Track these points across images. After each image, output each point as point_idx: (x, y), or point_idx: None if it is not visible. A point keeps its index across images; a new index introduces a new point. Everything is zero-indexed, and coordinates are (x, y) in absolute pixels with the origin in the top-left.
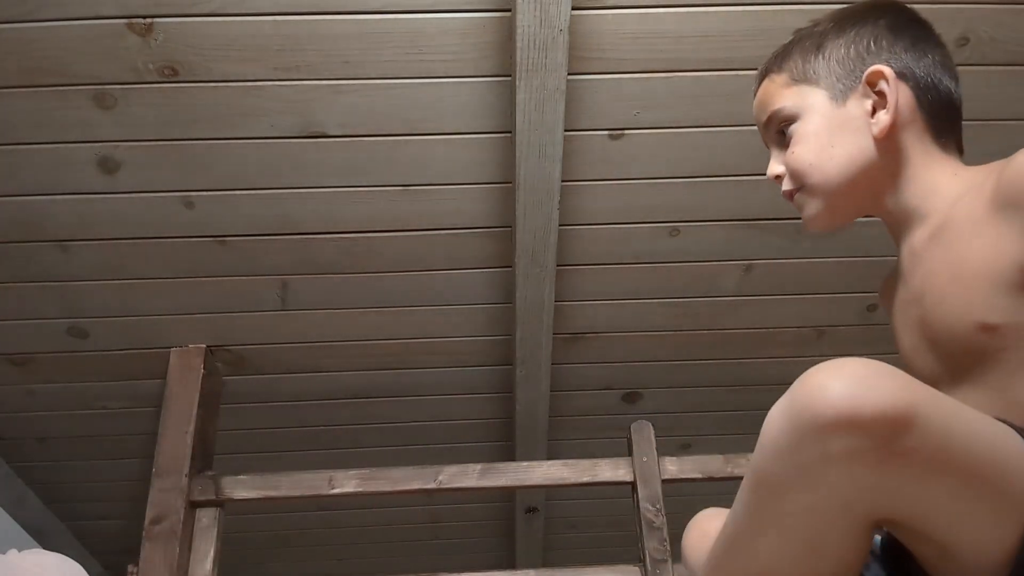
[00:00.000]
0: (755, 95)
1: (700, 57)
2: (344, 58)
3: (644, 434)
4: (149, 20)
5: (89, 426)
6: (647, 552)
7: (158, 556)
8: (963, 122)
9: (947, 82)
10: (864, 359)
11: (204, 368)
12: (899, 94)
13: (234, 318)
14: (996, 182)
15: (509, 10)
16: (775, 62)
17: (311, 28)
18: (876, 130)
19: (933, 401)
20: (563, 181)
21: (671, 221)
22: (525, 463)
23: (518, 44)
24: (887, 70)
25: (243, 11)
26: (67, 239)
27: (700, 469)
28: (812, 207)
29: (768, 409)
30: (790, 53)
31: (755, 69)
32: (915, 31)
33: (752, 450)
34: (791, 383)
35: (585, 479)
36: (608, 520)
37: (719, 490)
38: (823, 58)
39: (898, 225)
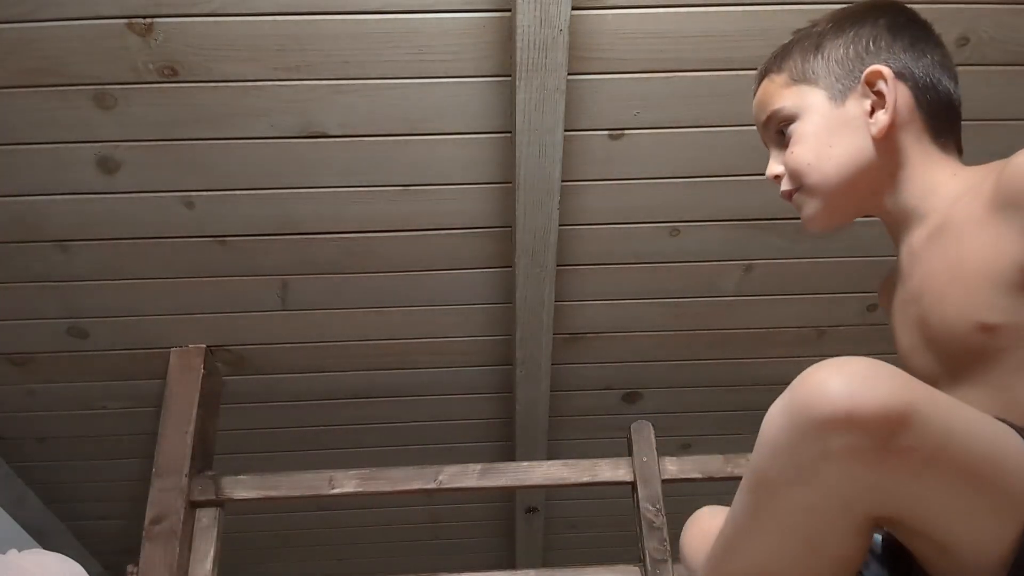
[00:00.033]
0: (754, 95)
1: (700, 57)
2: (344, 58)
3: (644, 434)
4: (149, 20)
5: (89, 426)
6: (647, 552)
7: (158, 556)
8: (963, 122)
9: (946, 82)
10: (863, 358)
11: (204, 368)
12: (898, 94)
13: (234, 318)
14: (995, 182)
15: (509, 10)
16: (774, 62)
17: (311, 28)
18: (875, 130)
19: (932, 400)
20: (563, 181)
21: (671, 221)
22: (525, 463)
23: (518, 44)
24: (886, 70)
25: (243, 11)
26: (67, 239)
27: (700, 469)
28: (811, 207)
29: (768, 409)
30: (789, 53)
31: (755, 69)
32: (914, 31)
33: (752, 450)
34: (791, 383)
35: (585, 479)
36: (608, 520)
37: (719, 490)
38: (822, 58)
39: (897, 225)
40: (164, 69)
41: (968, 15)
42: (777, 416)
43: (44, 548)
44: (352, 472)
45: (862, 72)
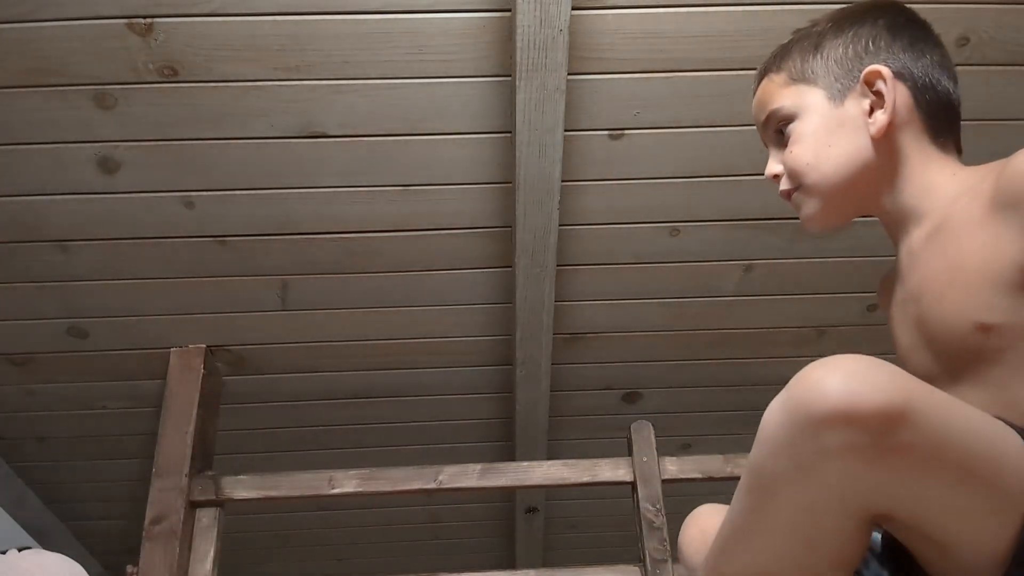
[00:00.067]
0: (754, 94)
1: (700, 57)
2: (344, 58)
3: (644, 434)
4: (149, 20)
5: (89, 426)
6: (647, 552)
7: (158, 556)
8: (963, 122)
9: (945, 82)
10: (861, 356)
11: (204, 368)
12: (897, 94)
13: (234, 318)
14: (994, 182)
15: (509, 10)
16: (774, 62)
17: (311, 28)
18: (873, 130)
19: (929, 397)
20: (563, 181)
21: (671, 221)
22: (525, 463)
23: (518, 44)
24: (885, 70)
25: (243, 11)
26: (67, 239)
27: (700, 469)
28: (810, 206)
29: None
30: (789, 53)
31: (755, 69)
32: (913, 31)
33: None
34: (789, 381)
35: (585, 479)
36: (608, 520)
37: (719, 490)
38: (821, 58)
39: (896, 225)
40: (164, 69)
41: (968, 15)
42: (775, 414)
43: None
44: (352, 472)
45: (861, 72)
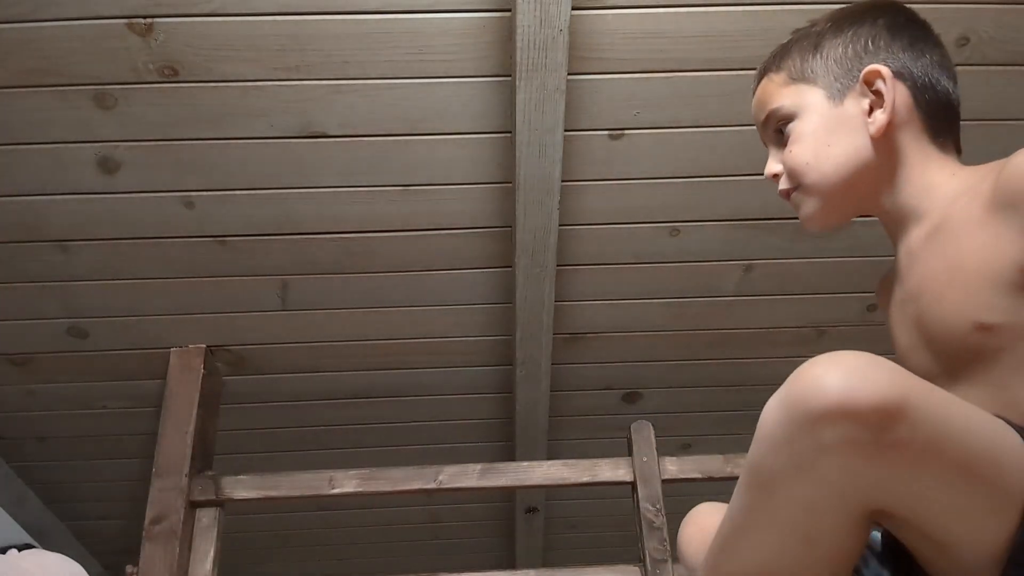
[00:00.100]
0: (754, 94)
1: (700, 57)
2: (344, 58)
3: (644, 434)
4: (149, 20)
5: (89, 426)
6: (647, 552)
7: (158, 556)
8: (963, 122)
9: (945, 82)
10: (859, 352)
11: (204, 368)
12: (896, 93)
13: (234, 318)
14: (994, 182)
15: (509, 10)
16: (774, 61)
17: (311, 28)
18: (873, 129)
19: (927, 393)
20: (563, 181)
21: (671, 221)
22: (525, 463)
23: (518, 44)
24: (884, 69)
25: (243, 11)
26: (67, 239)
27: (700, 469)
28: (809, 206)
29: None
30: (788, 52)
31: (755, 69)
32: (913, 31)
33: None
34: (788, 378)
35: (585, 479)
36: (608, 520)
37: (719, 490)
38: (821, 57)
39: (895, 225)
40: (164, 69)
41: (968, 15)
42: (773, 410)
43: (44, 548)
44: (352, 472)
45: (860, 71)
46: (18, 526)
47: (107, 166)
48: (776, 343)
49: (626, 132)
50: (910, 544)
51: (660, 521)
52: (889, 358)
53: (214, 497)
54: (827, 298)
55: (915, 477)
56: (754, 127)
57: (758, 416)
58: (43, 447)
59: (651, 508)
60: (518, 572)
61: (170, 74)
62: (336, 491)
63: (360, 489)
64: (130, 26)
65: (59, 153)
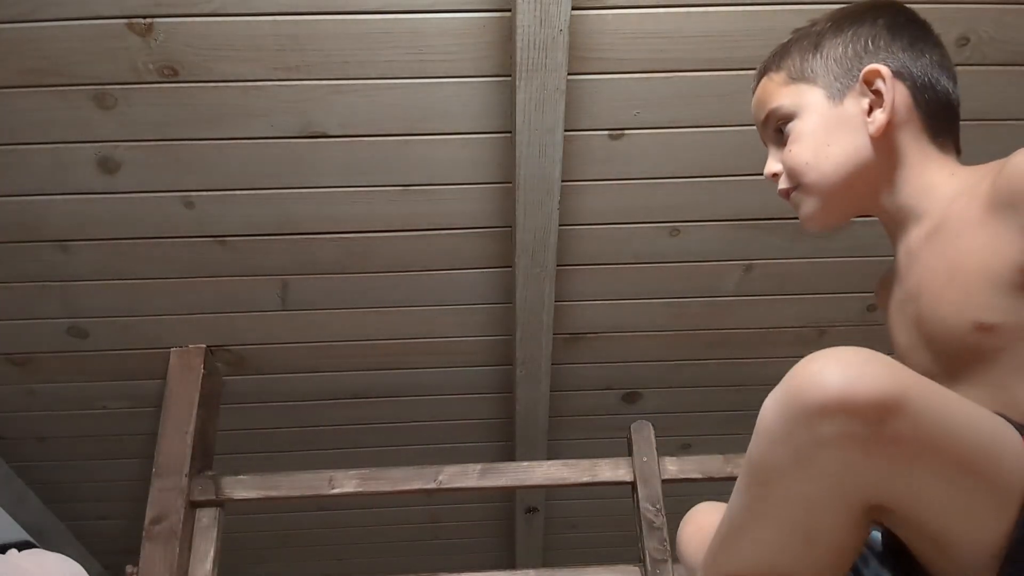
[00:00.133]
0: (754, 93)
1: (700, 57)
2: (344, 58)
3: (644, 434)
4: (149, 20)
5: (89, 426)
6: (647, 552)
7: (158, 556)
8: (963, 122)
9: (944, 82)
10: (857, 348)
11: (204, 368)
12: (896, 93)
13: (234, 318)
14: (993, 182)
15: (509, 10)
16: (774, 61)
17: (311, 28)
18: (872, 129)
19: (924, 388)
20: (563, 181)
21: (671, 221)
22: (525, 463)
23: (518, 44)
24: (884, 69)
25: (243, 11)
26: (67, 239)
27: (700, 469)
28: (808, 206)
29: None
30: (788, 52)
31: (755, 69)
32: (913, 31)
33: None
34: (787, 374)
35: (585, 479)
36: (608, 520)
37: (719, 490)
38: (821, 57)
39: (895, 224)
40: (164, 69)
41: (968, 15)
42: (772, 406)
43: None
44: (352, 472)
45: (860, 71)
46: (18, 525)
47: (107, 166)
48: (776, 343)
49: (626, 132)
50: (909, 541)
51: (660, 521)
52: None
53: (214, 497)
54: (827, 298)
55: (913, 472)
56: (754, 127)
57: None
58: (43, 447)
59: (651, 508)
60: (518, 572)
61: (170, 74)
62: (336, 491)
63: (360, 489)
64: (130, 26)
65: (59, 153)
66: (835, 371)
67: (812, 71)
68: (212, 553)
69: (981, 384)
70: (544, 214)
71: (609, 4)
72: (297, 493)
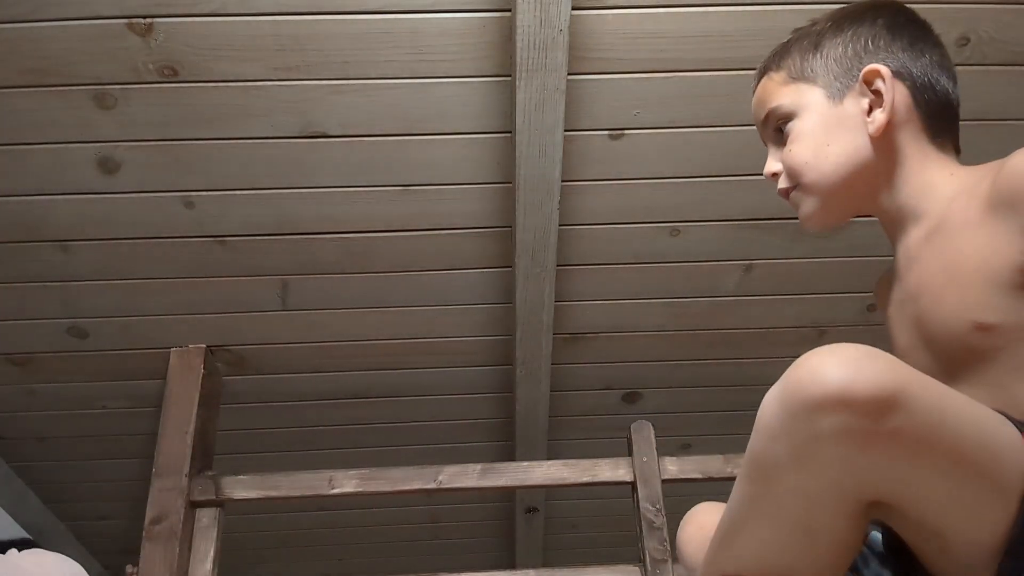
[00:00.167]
0: (754, 93)
1: (700, 57)
2: (344, 58)
3: (644, 434)
4: (149, 20)
5: (89, 426)
6: (647, 552)
7: (158, 556)
8: (963, 122)
9: (944, 82)
10: (857, 344)
11: (204, 368)
12: (895, 93)
13: (234, 318)
14: (992, 182)
15: (509, 10)
16: (774, 60)
17: (311, 28)
18: (872, 129)
19: (924, 384)
20: (563, 181)
21: (671, 221)
22: (525, 463)
23: (518, 44)
24: (884, 69)
25: (243, 11)
26: (67, 239)
27: (700, 469)
28: (808, 205)
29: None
30: (788, 51)
31: (755, 69)
32: (913, 31)
33: None
34: (786, 370)
35: (585, 479)
36: (608, 520)
37: (719, 490)
38: (821, 57)
39: (894, 224)
40: (164, 69)
41: (968, 15)
42: (772, 401)
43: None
44: (352, 472)
45: (860, 71)
46: (18, 525)
47: (107, 166)
48: (776, 343)
49: (626, 132)
50: (909, 539)
51: (660, 521)
52: None
53: (214, 497)
54: (827, 298)
55: (912, 467)
56: (754, 127)
57: None
58: (43, 447)
59: (651, 508)
60: (518, 572)
61: (170, 74)
62: (336, 491)
63: (360, 489)
64: (130, 26)
65: (59, 153)
66: (834, 366)
67: (812, 71)
68: (212, 553)
69: (980, 384)
70: (544, 214)
71: (609, 4)
72: (297, 493)
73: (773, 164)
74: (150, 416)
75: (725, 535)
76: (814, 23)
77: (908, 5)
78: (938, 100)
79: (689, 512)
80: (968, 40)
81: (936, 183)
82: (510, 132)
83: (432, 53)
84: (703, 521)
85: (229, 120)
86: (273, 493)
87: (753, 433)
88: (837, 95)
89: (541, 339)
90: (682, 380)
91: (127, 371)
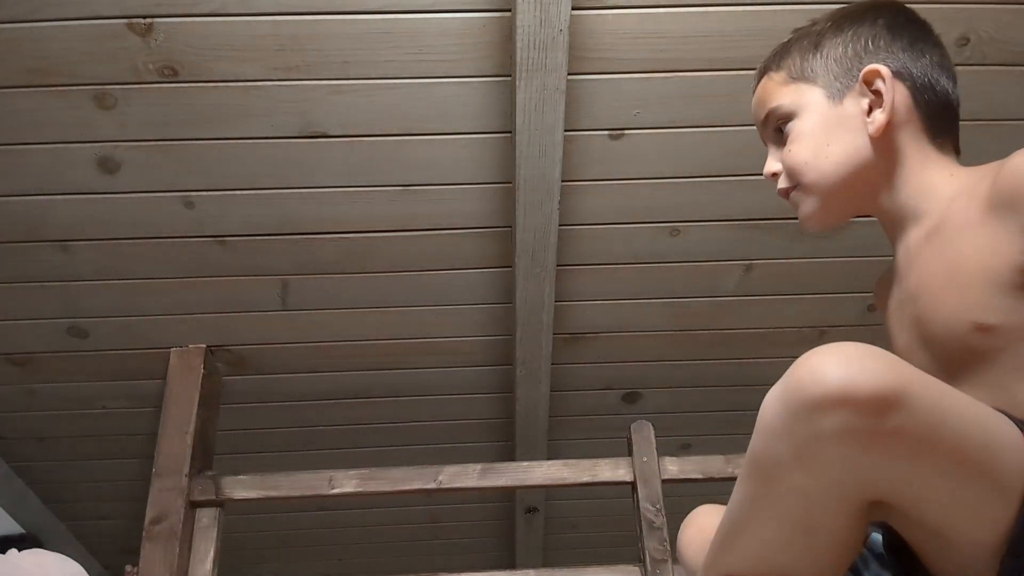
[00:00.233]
0: (754, 93)
1: (700, 57)
2: (344, 58)
3: (644, 434)
4: (149, 20)
5: (89, 426)
6: (647, 552)
7: (158, 556)
8: (963, 122)
9: (944, 82)
10: (858, 343)
11: (204, 368)
12: (895, 93)
13: (234, 318)
14: (992, 183)
15: (509, 10)
16: (774, 60)
17: (311, 28)
18: (872, 129)
19: (925, 383)
20: (563, 181)
21: (671, 221)
22: (525, 463)
23: (518, 44)
24: (884, 69)
25: (243, 11)
26: (67, 239)
27: (700, 469)
28: (807, 206)
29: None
30: (789, 51)
31: (755, 69)
32: (913, 31)
33: None
34: (788, 370)
35: (585, 479)
36: (608, 520)
37: (719, 490)
38: (821, 57)
39: (894, 225)
40: (164, 69)
41: (968, 15)
42: (773, 400)
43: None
44: (352, 472)
45: (860, 71)
46: (18, 525)
47: (107, 166)
48: (776, 343)
49: (626, 132)
50: (910, 539)
51: (660, 521)
52: None
53: (214, 497)
54: (827, 298)
55: (913, 466)
56: (754, 127)
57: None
58: (43, 447)
59: (651, 508)
60: (518, 572)
61: (170, 74)
62: (336, 491)
63: (360, 489)
64: (130, 26)
65: (59, 153)
66: (835, 365)
67: (812, 71)
68: (212, 553)
69: (980, 384)
70: (544, 214)
71: (609, 4)
72: (297, 493)
73: (773, 164)
74: (150, 416)
75: (726, 535)
76: (814, 23)
77: (908, 5)
78: (938, 100)
79: (689, 515)
80: (968, 40)
81: (936, 183)
82: (510, 132)
83: (432, 53)
84: (703, 524)
85: (229, 120)
86: (273, 493)
87: (754, 432)
88: (837, 95)
89: (541, 339)
90: (682, 380)
91: (127, 371)
